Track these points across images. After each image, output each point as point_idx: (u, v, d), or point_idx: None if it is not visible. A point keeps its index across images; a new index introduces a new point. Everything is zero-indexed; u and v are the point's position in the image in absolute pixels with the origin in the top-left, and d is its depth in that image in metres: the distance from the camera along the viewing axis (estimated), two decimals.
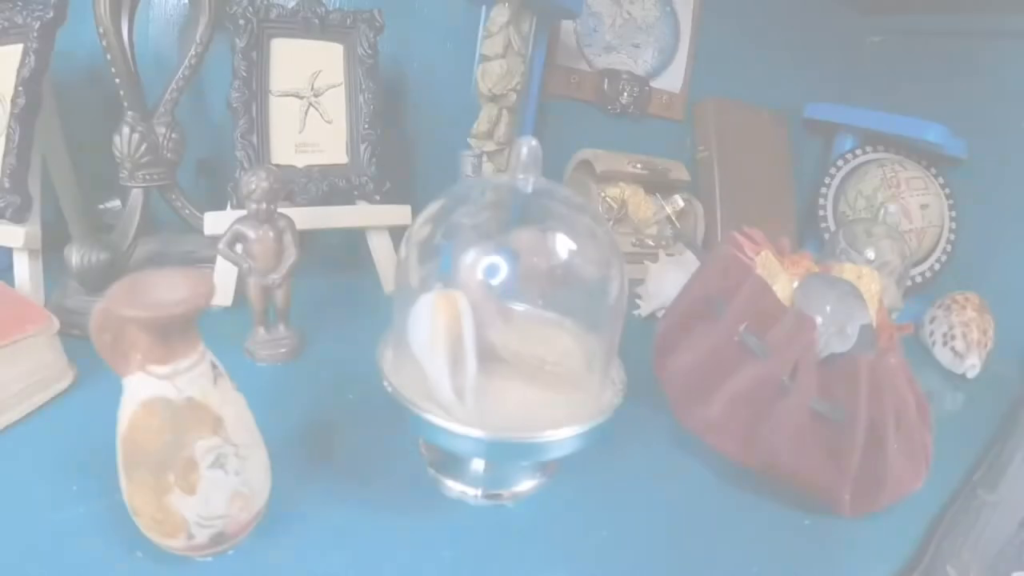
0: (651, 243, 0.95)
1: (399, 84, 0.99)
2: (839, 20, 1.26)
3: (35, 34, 0.69)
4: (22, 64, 0.69)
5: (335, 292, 0.76)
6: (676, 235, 1.00)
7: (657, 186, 1.01)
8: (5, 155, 0.68)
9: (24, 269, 0.68)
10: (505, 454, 0.43)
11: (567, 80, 1.06)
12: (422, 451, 0.51)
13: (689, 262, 0.84)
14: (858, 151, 1.15)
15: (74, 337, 0.59)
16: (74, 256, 0.64)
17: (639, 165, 0.97)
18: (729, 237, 0.60)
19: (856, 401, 0.49)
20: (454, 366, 0.40)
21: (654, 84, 1.13)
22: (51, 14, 0.70)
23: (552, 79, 1.05)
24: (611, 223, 0.95)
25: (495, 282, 0.42)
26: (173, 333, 0.34)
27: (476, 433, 0.39)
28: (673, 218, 1.00)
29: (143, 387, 0.34)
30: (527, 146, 0.44)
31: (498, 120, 0.82)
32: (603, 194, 0.95)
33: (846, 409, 0.49)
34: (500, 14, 0.79)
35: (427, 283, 0.43)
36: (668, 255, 0.90)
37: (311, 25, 0.76)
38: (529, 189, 0.44)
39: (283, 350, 0.60)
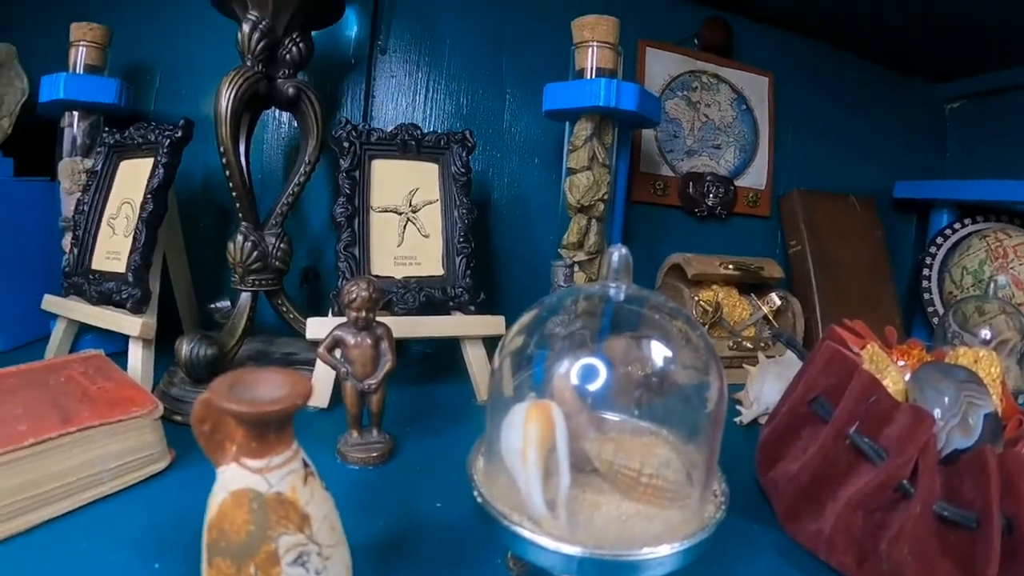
0: (749, 345, 0.92)
1: (491, 199, 1.03)
2: (912, 92, 1.23)
3: (165, 150, 0.79)
4: (152, 175, 0.78)
5: (428, 399, 0.77)
6: (774, 335, 0.96)
7: (751, 286, 0.98)
8: (131, 253, 0.76)
9: (137, 356, 0.73)
10: (599, 572, 0.40)
11: (652, 186, 1.07)
12: (510, 565, 0.48)
13: (790, 363, 0.80)
14: (956, 225, 1.09)
15: (175, 423, 0.63)
16: (183, 348, 0.68)
17: (731, 266, 0.95)
18: (830, 332, 0.56)
19: (988, 502, 0.43)
20: (546, 478, 0.38)
21: (738, 183, 1.12)
22: (179, 134, 0.79)
23: (637, 186, 1.06)
24: (706, 327, 0.92)
25: (589, 391, 0.41)
26: (269, 429, 0.34)
27: (569, 549, 0.37)
28: (770, 317, 0.96)
29: (235, 478, 0.34)
30: (617, 253, 0.44)
31: (587, 230, 0.83)
32: (696, 298, 0.93)
33: (977, 512, 0.44)
34: (583, 128, 0.81)
35: (520, 393, 0.42)
36: (768, 357, 0.86)
37: (408, 147, 0.81)
38: (621, 296, 0.43)
39: (375, 454, 0.60)
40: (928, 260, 1.08)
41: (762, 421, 0.73)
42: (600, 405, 0.44)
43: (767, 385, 0.77)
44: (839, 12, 1.06)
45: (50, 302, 0.83)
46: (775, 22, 1.13)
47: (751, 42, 1.14)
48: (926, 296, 1.07)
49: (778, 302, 0.96)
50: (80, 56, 0.89)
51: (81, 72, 0.89)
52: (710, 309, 0.93)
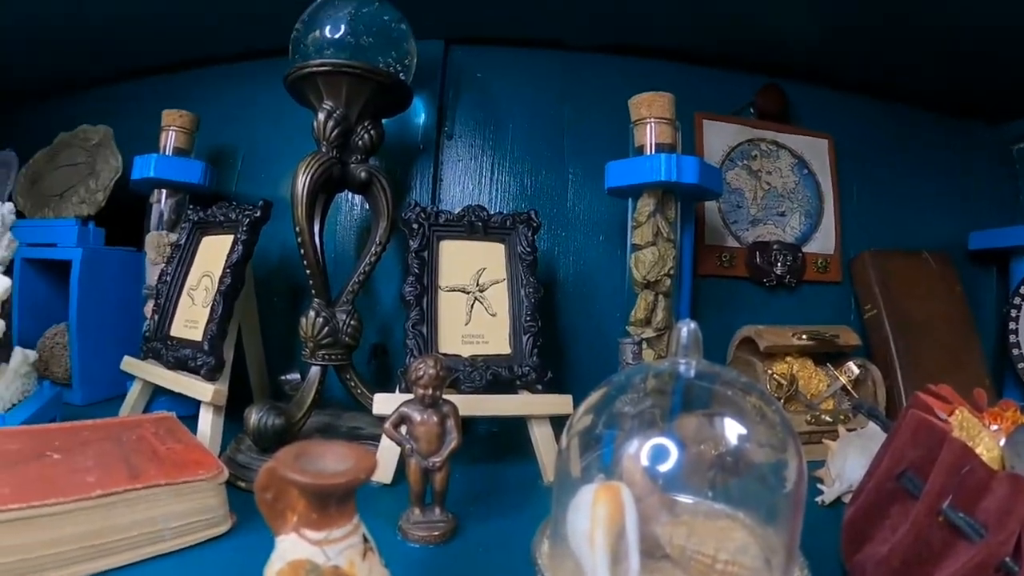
0: (828, 419, 0.87)
1: (557, 277, 1.03)
2: (976, 137, 1.19)
3: (244, 228, 0.83)
4: (231, 251, 0.83)
5: (493, 479, 0.75)
6: (855, 406, 0.91)
7: (826, 355, 0.94)
8: (208, 323, 0.79)
9: (207, 421, 0.75)
10: None
11: (718, 258, 1.06)
12: None
13: (873, 435, 0.75)
14: None
15: (239, 489, 0.63)
16: (252, 417, 0.70)
17: (804, 336, 0.92)
18: (915, 399, 0.53)
19: None
20: (615, 563, 0.37)
21: (806, 249, 1.10)
22: (258, 213, 0.84)
23: (703, 259, 1.05)
24: (782, 401, 0.89)
25: (660, 472, 0.40)
26: (331, 501, 0.34)
27: None
28: (849, 388, 0.92)
29: (294, 548, 0.34)
30: (686, 329, 0.43)
31: (654, 306, 0.82)
32: (770, 371, 0.90)
33: None
34: (646, 204, 0.82)
35: (588, 474, 0.41)
36: (849, 430, 0.82)
37: (475, 228, 0.82)
38: (691, 373, 0.43)
39: (436, 533, 0.59)
40: (1014, 312, 1.02)
41: (846, 500, 0.69)
42: (672, 487, 0.42)
43: (849, 460, 0.72)
44: (892, 67, 1.05)
45: (129, 363, 0.87)
46: (828, 84, 1.13)
47: (807, 106, 1.13)
48: (1015, 352, 1.00)
49: (856, 371, 0.92)
50: (170, 140, 0.97)
51: (170, 154, 0.97)
52: (785, 382, 0.89)
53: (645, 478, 0.40)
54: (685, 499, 0.44)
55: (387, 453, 0.71)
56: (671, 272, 0.82)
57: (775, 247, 1.07)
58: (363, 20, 0.79)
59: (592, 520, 0.38)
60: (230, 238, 0.85)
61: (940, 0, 0.84)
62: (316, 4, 0.81)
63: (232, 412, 0.77)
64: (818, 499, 0.72)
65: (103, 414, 0.70)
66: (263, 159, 1.10)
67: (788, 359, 0.92)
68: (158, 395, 0.87)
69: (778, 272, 1.07)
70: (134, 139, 1.03)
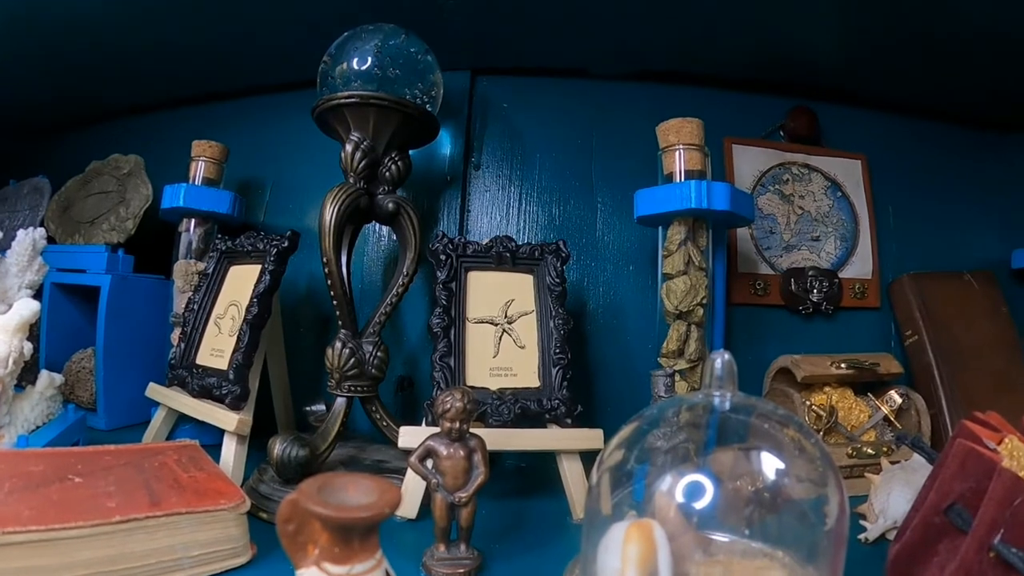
0: (870, 451, 0.85)
1: (586, 308, 1.03)
2: (1013, 151, 1.16)
3: (272, 258, 0.85)
4: (259, 281, 0.84)
5: (521, 515, 0.75)
6: (898, 437, 0.89)
7: (867, 385, 0.93)
8: (234, 352, 0.81)
9: (231, 450, 0.76)
10: None
11: (752, 286, 1.05)
12: None
13: (918, 467, 0.73)
14: None
15: (261, 520, 0.64)
16: (276, 448, 0.70)
17: (843, 365, 0.90)
18: (961, 428, 0.52)
19: None
20: None
21: (843, 274, 1.08)
22: (286, 244, 0.86)
23: (736, 288, 1.04)
24: (821, 434, 0.87)
25: (694, 509, 0.39)
26: (354, 535, 0.34)
27: None
28: (891, 418, 0.90)
29: None
30: (720, 360, 0.43)
31: (687, 336, 0.81)
32: (808, 402, 0.88)
33: None
34: (676, 232, 0.81)
35: (619, 511, 0.41)
36: (892, 463, 0.80)
37: (503, 259, 0.83)
38: (726, 405, 0.42)
39: (461, 570, 0.58)
40: None
41: (891, 536, 0.67)
42: (707, 524, 0.41)
43: (894, 495, 0.71)
44: (925, 83, 1.04)
45: (154, 390, 0.89)
46: (859, 103, 1.12)
47: (838, 126, 1.12)
48: None
49: (899, 400, 0.90)
50: (199, 170, 1.00)
51: (200, 184, 1.00)
52: (824, 414, 0.88)
53: (679, 515, 0.39)
54: (721, 537, 0.43)
55: (412, 487, 0.71)
56: (703, 301, 0.81)
57: (810, 273, 1.06)
58: (390, 52, 0.80)
59: (623, 559, 0.37)
60: (258, 268, 0.86)
61: (973, 11, 0.83)
62: (344, 37, 0.83)
63: (256, 442, 0.77)
64: (861, 536, 0.70)
65: (126, 440, 0.72)
66: (291, 190, 1.12)
67: (827, 389, 0.90)
68: (182, 423, 0.88)
69: (814, 299, 1.05)
70: (165, 168, 1.07)
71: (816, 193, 1.11)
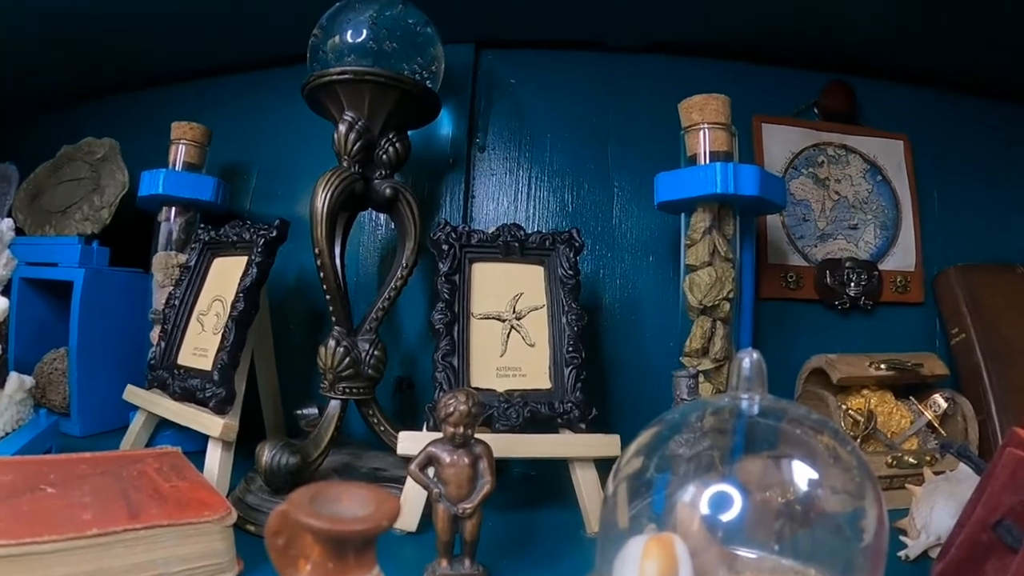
0: (912, 460, 0.85)
1: (602, 303, 1.04)
2: None
3: (259, 249, 0.85)
4: (245, 274, 0.85)
5: (530, 528, 0.75)
6: (943, 445, 0.89)
7: (909, 387, 0.93)
8: (218, 351, 0.81)
9: (215, 457, 0.76)
10: None
11: (783, 279, 1.05)
12: None
13: (964, 478, 0.73)
14: None
15: (248, 533, 0.64)
16: (264, 455, 0.70)
17: (883, 365, 0.90)
18: (1012, 436, 0.51)
19: None
20: None
21: (883, 266, 1.08)
22: (274, 233, 0.86)
23: (766, 280, 1.04)
24: (858, 441, 0.87)
25: (719, 522, 0.39)
26: (349, 550, 0.34)
27: None
28: (936, 424, 0.90)
29: None
30: (748, 359, 0.43)
31: (712, 334, 0.81)
32: (844, 406, 0.88)
33: None
34: (700, 220, 0.81)
35: (637, 524, 0.41)
36: (936, 473, 0.80)
37: (511, 249, 0.83)
38: (755, 409, 0.42)
39: None
40: None
41: (933, 555, 0.67)
42: (733, 539, 0.42)
43: (937, 508, 0.71)
44: (976, 55, 1.03)
45: (132, 393, 0.89)
46: (902, 78, 1.12)
47: (878, 104, 1.12)
48: None
49: (944, 405, 0.90)
50: (180, 154, 1.00)
51: (180, 169, 1.00)
52: (861, 419, 0.88)
53: (702, 529, 0.39)
54: (748, 553, 0.43)
55: (412, 497, 0.71)
56: (730, 295, 0.81)
57: (847, 265, 1.06)
58: (386, 24, 0.80)
59: None
60: (244, 260, 0.87)
61: None
62: (335, 8, 0.83)
63: (243, 449, 0.78)
64: (901, 554, 0.70)
65: (103, 447, 0.72)
66: (280, 175, 1.13)
67: (865, 392, 0.90)
68: (162, 428, 0.89)
69: (851, 293, 1.05)
70: (142, 153, 1.07)
71: (854, 177, 1.10)
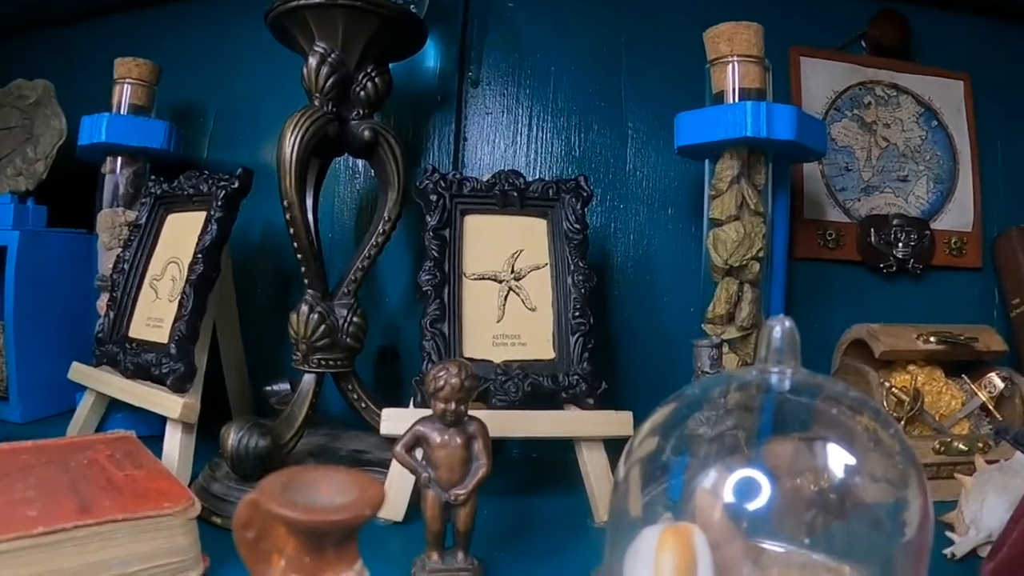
0: (962, 447, 0.86)
1: (613, 261, 1.04)
2: None
3: (219, 203, 0.85)
4: (203, 232, 0.84)
5: (531, 517, 0.76)
6: (997, 431, 0.90)
7: (961, 364, 0.93)
8: (175, 321, 0.81)
9: (175, 442, 0.77)
10: None
11: (821, 237, 1.05)
12: None
13: (1021, 469, 0.74)
14: None
15: (214, 526, 0.65)
16: (230, 438, 0.71)
17: (932, 338, 0.90)
18: None
19: None
20: None
21: (935, 225, 1.08)
22: (236, 185, 0.86)
23: (802, 238, 1.04)
24: (902, 423, 0.87)
25: (744, 512, 0.40)
26: (328, 543, 0.34)
27: None
28: (990, 407, 0.91)
29: None
30: (779, 328, 0.43)
31: (739, 298, 0.81)
32: (888, 383, 0.89)
33: None
34: (727, 167, 0.81)
35: (652, 512, 0.42)
36: (989, 462, 0.81)
37: (509, 199, 0.83)
38: (786, 385, 0.42)
39: None
40: None
41: (983, 553, 0.68)
42: (758, 531, 0.42)
43: (989, 501, 0.71)
44: None
45: (78, 372, 0.90)
46: (963, 7, 1.10)
47: (935, 37, 1.11)
48: None
49: (1000, 385, 0.91)
50: (125, 95, 0.99)
51: (126, 113, 0.99)
52: (907, 399, 0.88)
53: (724, 519, 0.40)
54: (775, 547, 0.44)
55: (398, 483, 0.72)
56: (760, 254, 0.81)
57: (895, 222, 1.06)
58: None
59: (656, 571, 0.38)
60: (202, 216, 0.86)
61: None
62: None
63: (206, 431, 0.78)
64: (947, 551, 0.71)
65: (47, 434, 0.72)
66: (241, 117, 1.12)
67: (911, 368, 0.91)
68: (114, 410, 0.89)
69: (899, 255, 1.05)
70: (81, 95, 1.06)
71: (905, 121, 1.10)
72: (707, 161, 0.85)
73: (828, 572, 0.43)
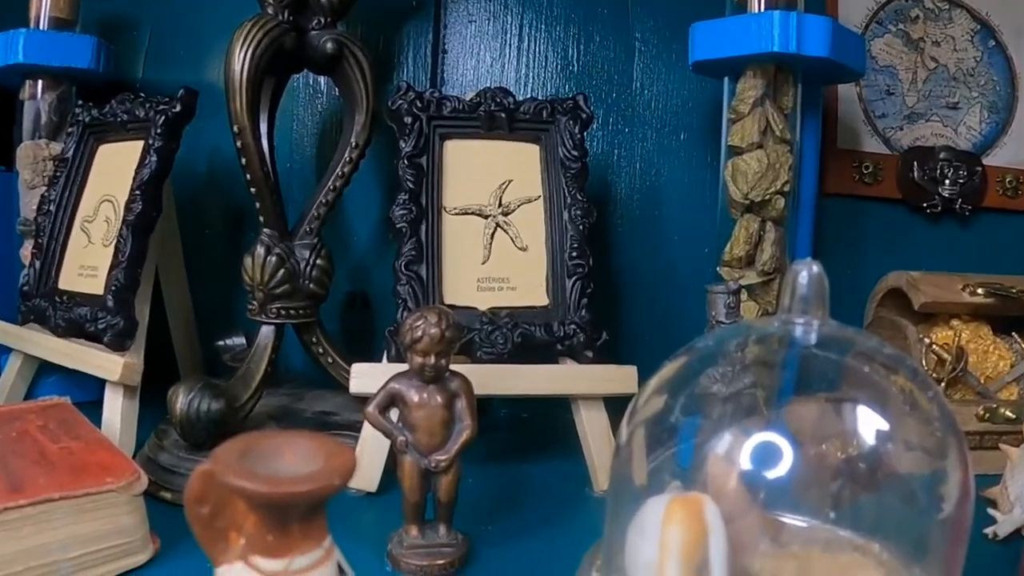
0: (1009, 414, 0.87)
1: (616, 194, 1.03)
2: None
3: (158, 131, 0.83)
4: (141, 164, 0.83)
5: (522, 486, 0.77)
6: None
7: (1011, 321, 0.94)
8: (111, 269, 0.80)
9: (116, 408, 0.77)
10: None
11: (856, 170, 1.05)
12: None
13: None
14: None
15: (163, 502, 0.66)
16: (179, 401, 0.71)
17: (980, 290, 0.91)
18: None
19: None
20: None
21: (988, 161, 1.08)
22: (177, 108, 0.84)
23: (833, 171, 1.04)
24: (943, 385, 0.88)
25: (762, 481, 0.40)
26: (292, 518, 0.34)
27: None
28: None
29: None
30: (806, 272, 0.43)
31: (760, 238, 0.82)
32: (927, 340, 0.90)
33: None
34: (750, 87, 0.81)
35: (658, 480, 0.42)
36: None
37: (496, 121, 0.82)
38: (812, 338, 0.43)
39: (441, 561, 0.60)
40: None
41: None
42: (778, 502, 0.43)
43: None
44: None
45: (2, 331, 0.89)
46: None
47: None
48: None
49: None
50: (44, 7, 0.96)
51: (45, 28, 0.96)
52: (949, 357, 0.89)
53: (740, 489, 0.40)
54: (796, 521, 0.45)
55: (371, 448, 0.73)
56: (785, 188, 0.81)
57: (942, 156, 1.06)
58: None
59: (662, 547, 0.38)
60: (138, 146, 0.85)
61: None
62: None
63: (151, 395, 0.78)
64: (988, 530, 0.73)
65: None
66: (181, 30, 1.10)
67: (955, 324, 0.91)
68: (45, 374, 0.90)
69: (945, 193, 1.06)
70: None
71: (957, 39, 1.09)
72: (726, 79, 0.85)
73: (855, 550, 0.44)
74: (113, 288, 0.79)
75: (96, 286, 0.82)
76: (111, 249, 0.82)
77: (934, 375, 0.89)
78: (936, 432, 0.42)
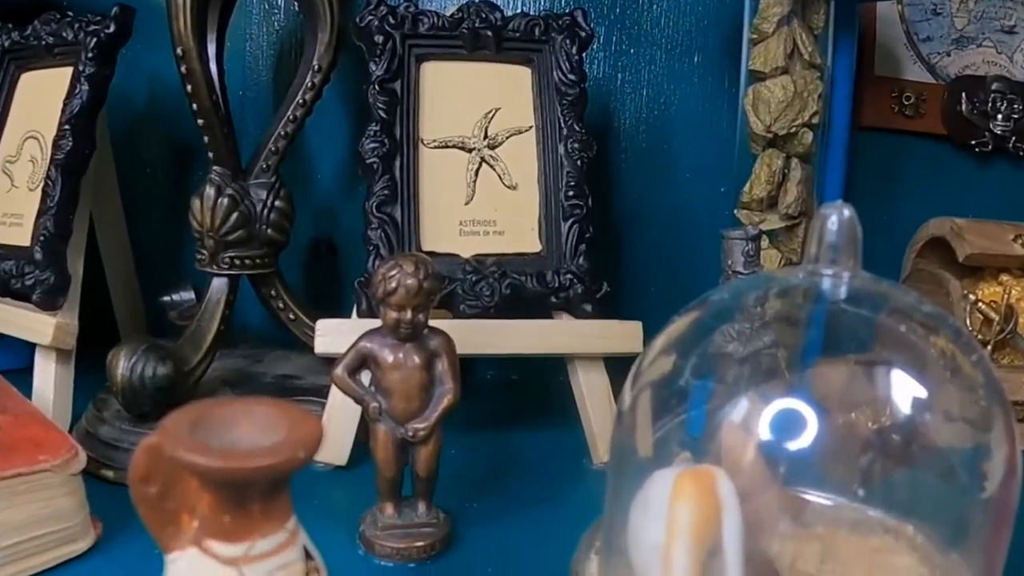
0: None
1: (619, 125, 1.03)
2: None
3: (90, 55, 0.82)
4: (70, 94, 0.82)
5: (512, 458, 0.77)
6: None
7: None
8: (39, 216, 0.79)
9: (48, 375, 0.77)
10: None
11: (896, 101, 1.05)
12: None
13: None
14: None
15: (105, 481, 0.66)
16: (120, 365, 0.70)
17: None
18: None
19: None
20: None
21: None
22: (111, 28, 0.82)
23: (869, 102, 1.04)
24: (989, 348, 0.89)
25: (783, 453, 0.41)
26: (252, 497, 0.34)
27: None
28: None
29: (195, 570, 0.35)
30: (836, 217, 0.43)
31: (784, 177, 0.82)
32: (973, 297, 0.90)
33: None
34: (775, 2, 0.81)
35: (665, 451, 0.42)
36: None
37: (481, 40, 0.81)
38: (841, 292, 0.43)
39: (420, 543, 0.60)
40: None
41: None
42: (800, 477, 0.43)
43: None
44: None
45: None
46: None
47: None
48: None
49: None
50: None
51: None
52: (996, 317, 0.90)
53: (758, 462, 0.40)
54: (821, 499, 0.45)
55: (339, 416, 0.73)
56: (814, 120, 0.81)
57: (994, 87, 1.06)
58: None
59: (669, 526, 0.38)
60: (67, 72, 0.84)
61: None
62: None
63: (88, 359, 0.78)
64: None
65: None
66: None
67: (1004, 279, 0.92)
68: None
69: (997, 130, 1.06)
70: None
71: None
72: None
73: (885, 532, 0.44)
74: (41, 238, 0.78)
75: (22, 236, 0.82)
76: (38, 193, 0.81)
77: (979, 337, 0.89)
78: (980, 401, 0.42)
